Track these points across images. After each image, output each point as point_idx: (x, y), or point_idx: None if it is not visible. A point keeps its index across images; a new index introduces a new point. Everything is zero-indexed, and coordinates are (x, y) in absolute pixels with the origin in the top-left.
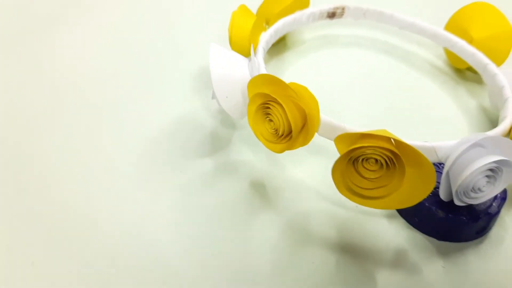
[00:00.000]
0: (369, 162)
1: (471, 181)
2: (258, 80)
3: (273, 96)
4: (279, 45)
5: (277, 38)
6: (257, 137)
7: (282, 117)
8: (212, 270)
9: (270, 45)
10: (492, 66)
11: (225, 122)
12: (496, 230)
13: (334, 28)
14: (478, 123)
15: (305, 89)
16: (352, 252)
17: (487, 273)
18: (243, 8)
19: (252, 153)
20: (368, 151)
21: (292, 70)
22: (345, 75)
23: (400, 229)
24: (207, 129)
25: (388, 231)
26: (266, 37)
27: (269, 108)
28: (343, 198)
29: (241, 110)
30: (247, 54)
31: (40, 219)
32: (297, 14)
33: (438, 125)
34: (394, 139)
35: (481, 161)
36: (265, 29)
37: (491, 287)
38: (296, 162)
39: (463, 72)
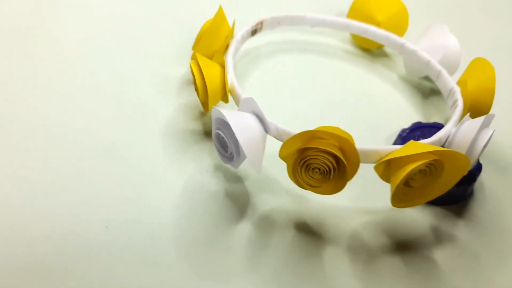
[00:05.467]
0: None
1: None
2: (289, 141)
3: (309, 146)
4: None
5: None
6: (305, 189)
7: (324, 157)
8: None
9: None
10: (408, 44)
11: (229, 177)
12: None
13: (251, 41)
14: (409, 93)
15: (335, 128)
16: (410, 245)
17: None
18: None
19: (274, 196)
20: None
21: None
22: (287, 85)
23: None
24: (220, 193)
25: (417, 216)
26: (233, 80)
27: (308, 159)
28: (374, 206)
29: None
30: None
31: None
32: (234, 44)
33: (379, 106)
34: None
35: None
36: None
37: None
38: None
39: (370, 51)
